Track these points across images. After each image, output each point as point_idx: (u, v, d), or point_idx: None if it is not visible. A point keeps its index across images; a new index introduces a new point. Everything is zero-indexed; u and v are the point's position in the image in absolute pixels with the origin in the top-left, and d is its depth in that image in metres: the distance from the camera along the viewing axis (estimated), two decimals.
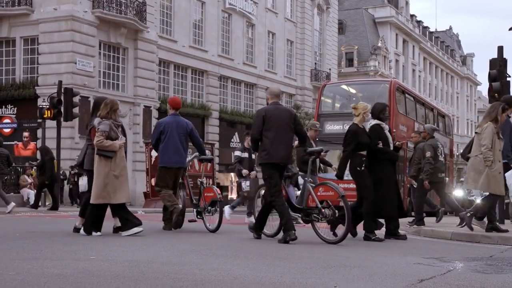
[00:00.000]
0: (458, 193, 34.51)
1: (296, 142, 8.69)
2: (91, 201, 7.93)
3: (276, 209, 7.74)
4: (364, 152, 8.41)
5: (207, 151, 23.44)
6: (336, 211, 7.64)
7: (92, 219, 8.04)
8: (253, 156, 12.71)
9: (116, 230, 8.29)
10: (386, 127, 8.79)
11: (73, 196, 23.53)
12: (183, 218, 9.36)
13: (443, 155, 11.82)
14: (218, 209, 9.04)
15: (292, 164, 11.22)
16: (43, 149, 18.46)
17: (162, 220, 9.49)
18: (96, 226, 8.05)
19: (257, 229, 8.14)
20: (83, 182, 22.01)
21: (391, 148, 8.69)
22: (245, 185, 12.59)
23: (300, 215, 8.00)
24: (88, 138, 8.38)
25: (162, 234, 8.75)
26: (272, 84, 40.83)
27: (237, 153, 12.87)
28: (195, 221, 9.47)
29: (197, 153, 9.79)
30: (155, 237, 8.07)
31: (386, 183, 8.47)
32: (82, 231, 8.12)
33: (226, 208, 12.43)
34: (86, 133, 8.56)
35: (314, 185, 8.01)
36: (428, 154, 11.38)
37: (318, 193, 7.69)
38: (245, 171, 12.62)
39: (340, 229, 7.62)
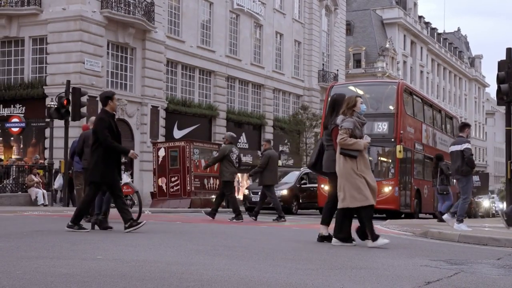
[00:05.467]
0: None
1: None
2: (344, 205, 7.25)
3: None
4: None
5: (214, 152, 23.59)
6: (136, 201, 11.19)
7: (340, 224, 7.43)
8: None
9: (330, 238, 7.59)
10: None
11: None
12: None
13: (237, 160, 13.87)
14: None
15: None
16: None
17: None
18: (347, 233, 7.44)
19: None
20: (58, 181, 21.97)
21: None
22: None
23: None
24: (327, 139, 7.66)
25: (169, 234, 8.77)
26: (280, 84, 40.99)
27: (469, 145, 11.31)
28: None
29: None
30: (161, 237, 8.08)
31: None
32: (334, 240, 7.47)
33: (454, 224, 11.18)
34: (326, 132, 7.76)
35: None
36: (215, 154, 14.90)
37: (124, 190, 10.60)
38: None
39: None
